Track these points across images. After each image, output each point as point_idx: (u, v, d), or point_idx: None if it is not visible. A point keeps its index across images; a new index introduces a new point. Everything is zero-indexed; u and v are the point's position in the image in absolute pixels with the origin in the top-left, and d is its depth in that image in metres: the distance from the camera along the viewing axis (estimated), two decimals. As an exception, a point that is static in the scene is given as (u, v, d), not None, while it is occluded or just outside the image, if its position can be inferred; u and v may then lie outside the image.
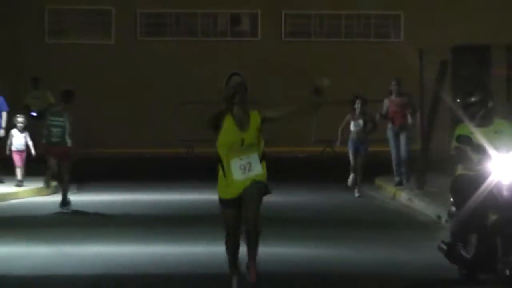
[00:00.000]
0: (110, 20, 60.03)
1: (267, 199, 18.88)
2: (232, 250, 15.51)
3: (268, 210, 22.07)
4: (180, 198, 37.35)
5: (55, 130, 32.70)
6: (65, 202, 32.99)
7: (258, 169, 14.56)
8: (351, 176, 36.51)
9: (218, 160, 14.64)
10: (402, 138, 36.92)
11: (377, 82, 43.31)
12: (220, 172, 14.61)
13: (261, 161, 14.81)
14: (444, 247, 18.97)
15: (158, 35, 60.70)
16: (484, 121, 18.55)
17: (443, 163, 35.98)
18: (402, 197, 35.74)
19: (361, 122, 35.60)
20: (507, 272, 17.19)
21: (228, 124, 14.43)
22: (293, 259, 21.79)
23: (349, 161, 36.22)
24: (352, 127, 36.58)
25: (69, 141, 32.37)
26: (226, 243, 15.45)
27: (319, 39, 60.81)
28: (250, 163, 14.34)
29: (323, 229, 25.65)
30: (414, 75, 40.79)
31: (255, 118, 14.55)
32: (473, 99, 18.98)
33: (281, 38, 60.30)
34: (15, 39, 52.51)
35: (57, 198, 35.64)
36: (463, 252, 18.51)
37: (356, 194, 36.56)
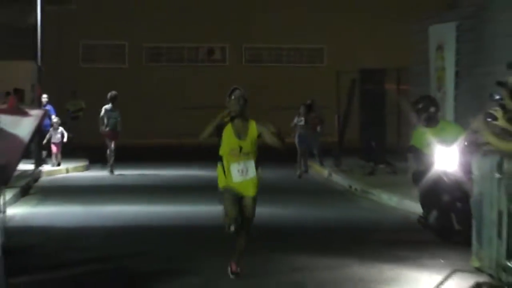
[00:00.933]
0: (124, 51, 59.50)
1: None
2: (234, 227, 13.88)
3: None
4: (191, 173, 36.60)
5: (111, 120, 34.59)
6: (111, 170, 35.22)
7: (252, 173, 13.48)
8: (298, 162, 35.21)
9: (219, 159, 13.67)
10: (315, 139, 35.77)
11: (309, 94, 42.89)
12: (220, 169, 13.65)
13: (256, 166, 13.63)
14: (422, 219, 18.44)
15: (157, 61, 59.92)
16: (430, 123, 18.27)
17: (352, 151, 37.01)
18: (324, 173, 35.24)
19: (302, 120, 34.01)
20: (463, 239, 16.29)
21: (228, 133, 13.41)
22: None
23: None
24: (297, 123, 35.04)
25: (119, 128, 35.10)
26: (227, 221, 13.98)
27: (269, 64, 59.58)
28: (247, 168, 13.35)
29: (271, 195, 24.34)
30: (333, 90, 40.88)
31: (252, 130, 13.48)
32: (419, 105, 18.73)
33: (242, 63, 59.84)
34: (59, 63, 52.54)
35: (89, 174, 36.37)
36: (432, 223, 17.99)
37: (297, 173, 35.17)
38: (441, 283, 13.73)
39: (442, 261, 15.67)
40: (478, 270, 13.55)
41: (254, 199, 13.76)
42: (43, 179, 26.98)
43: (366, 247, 18.14)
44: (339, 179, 33.25)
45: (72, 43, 57.16)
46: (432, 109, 18.69)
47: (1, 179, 9.82)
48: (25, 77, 37.06)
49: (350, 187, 30.39)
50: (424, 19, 31.22)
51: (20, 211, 23.12)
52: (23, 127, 12.63)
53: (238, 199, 13.84)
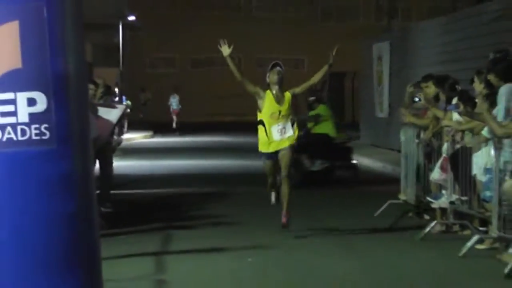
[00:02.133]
0: (175, 60, 59.35)
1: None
2: (272, 182, 12.20)
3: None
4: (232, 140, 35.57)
5: (174, 102, 39.60)
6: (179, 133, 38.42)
7: (290, 132, 11.85)
8: None
9: (260, 123, 12.04)
10: None
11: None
12: (262, 133, 12.02)
13: (293, 125, 11.94)
14: None
15: (197, 67, 58.65)
16: (314, 106, 17.80)
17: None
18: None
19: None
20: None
21: (269, 99, 11.86)
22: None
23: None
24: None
25: (180, 107, 39.59)
26: (267, 183, 12.41)
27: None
28: (285, 128, 11.75)
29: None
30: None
31: (287, 97, 11.91)
32: (310, 99, 18.02)
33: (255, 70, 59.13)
34: (132, 69, 52.40)
35: (154, 140, 36.15)
36: None
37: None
38: (381, 211, 13.54)
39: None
40: (405, 202, 13.47)
41: (291, 147, 11.94)
42: (124, 143, 26.95)
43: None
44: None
45: (141, 56, 56.40)
46: (312, 99, 18.20)
47: (94, 146, 10.10)
48: (112, 78, 37.20)
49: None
50: (370, 39, 31.09)
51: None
52: (112, 115, 13.43)
53: (276, 161, 12.04)
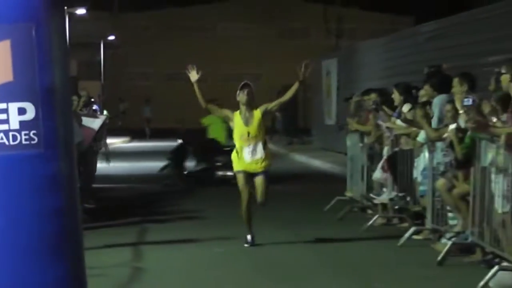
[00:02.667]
0: (150, 74, 59.56)
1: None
2: (246, 208, 10.49)
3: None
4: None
5: (146, 111, 40.65)
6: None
7: (260, 154, 10.35)
8: None
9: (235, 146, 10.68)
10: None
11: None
12: (234, 153, 10.48)
13: (264, 145, 10.51)
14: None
15: (170, 80, 56.09)
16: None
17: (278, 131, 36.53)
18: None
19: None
20: None
21: (238, 121, 10.41)
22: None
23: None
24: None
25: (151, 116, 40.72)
26: (241, 202, 10.62)
27: (230, 83, 57.37)
28: (255, 149, 10.24)
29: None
30: (267, 99, 39.50)
31: (257, 116, 10.46)
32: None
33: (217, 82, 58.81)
34: (112, 82, 52.05)
35: (132, 144, 35.88)
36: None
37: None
38: (330, 206, 13.54)
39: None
40: (350, 198, 13.54)
41: (264, 174, 10.50)
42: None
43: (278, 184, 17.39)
44: (272, 147, 32.51)
45: (120, 70, 55.35)
46: None
47: (78, 150, 10.05)
48: (95, 90, 36.86)
49: (278, 151, 29.42)
50: (320, 56, 31.14)
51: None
52: (94, 124, 13.43)
53: (250, 179, 10.45)
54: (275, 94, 36.15)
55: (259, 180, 10.55)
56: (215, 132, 18.22)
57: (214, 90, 51.16)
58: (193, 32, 58.52)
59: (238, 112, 10.61)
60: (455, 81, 10.14)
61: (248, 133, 10.45)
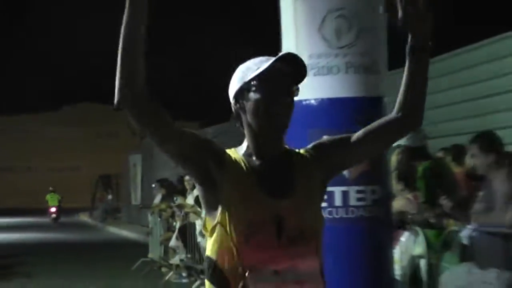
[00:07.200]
0: None
1: None
2: None
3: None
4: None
5: None
6: None
7: None
8: None
9: None
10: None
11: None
12: None
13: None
14: None
15: None
16: None
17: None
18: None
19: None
20: None
21: None
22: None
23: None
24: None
25: None
26: None
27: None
28: None
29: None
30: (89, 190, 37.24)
31: None
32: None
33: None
34: None
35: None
36: None
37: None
38: (136, 265, 12.99)
39: None
40: (151, 259, 13.14)
41: None
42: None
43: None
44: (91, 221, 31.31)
45: None
46: None
47: None
48: None
49: (96, 225, 28.80)
50: (128, 152, 30.80)
51: None
52: None
53: None
54: (93, 183, 35.98)
55: None
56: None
57: (42, 179, 49.29)
58: (25, 134, 55.59)
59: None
60: None
61: None
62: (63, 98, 53.15)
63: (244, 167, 1.80)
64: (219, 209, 1.68)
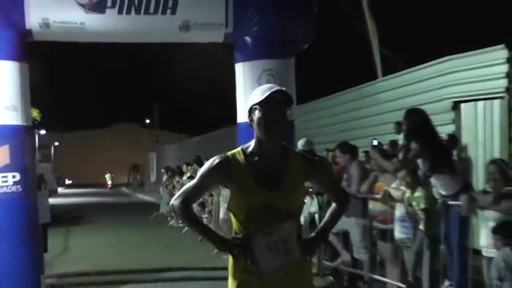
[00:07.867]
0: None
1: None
2: None
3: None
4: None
5: None
6: None
7: None
8: None
9: None
10: None
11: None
12: None
13: None
14: None
15: None
16: None
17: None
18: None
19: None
20: None
21: None
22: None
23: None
24: None
25: None
26: None
27: None
28: None
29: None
30: None
31: None
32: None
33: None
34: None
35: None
36: None
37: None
38: (152, 217, 14.33)
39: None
40: (162, 213, 14.58)
41: None
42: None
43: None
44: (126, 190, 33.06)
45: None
46: None
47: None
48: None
49: (131, 193, 31.61)
50: (146, 151, 34.41)
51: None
52: None
53: None
54: (129, 169, 39.12)
55: None
56: None
57: (102, 166, 56.53)
58: (93, 142, 63.96)
59: None
60: None
61: None
62: (112, 118, 65.86)
63: (247, 168, 2.17)
64: (232, 197, 2.14)
